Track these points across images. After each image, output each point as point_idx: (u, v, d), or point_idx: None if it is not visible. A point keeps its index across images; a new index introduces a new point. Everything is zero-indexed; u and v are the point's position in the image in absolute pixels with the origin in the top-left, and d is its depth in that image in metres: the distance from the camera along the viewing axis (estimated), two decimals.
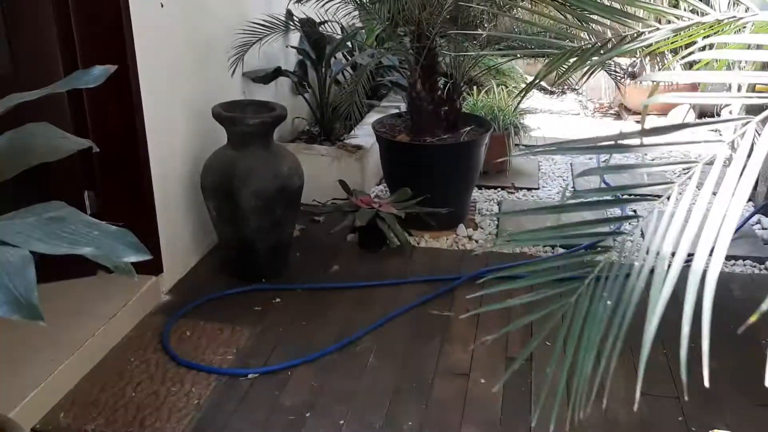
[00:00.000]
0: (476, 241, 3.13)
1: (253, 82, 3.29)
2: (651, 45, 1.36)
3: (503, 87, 4.00)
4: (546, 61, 3.68)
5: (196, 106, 2.77)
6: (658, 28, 1.41)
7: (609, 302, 0.93)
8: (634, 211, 3.48)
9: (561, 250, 3.05)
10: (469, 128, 3.25)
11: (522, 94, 1.85)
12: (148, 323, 2.45)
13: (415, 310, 2.56)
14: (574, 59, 1.63)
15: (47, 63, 2.28)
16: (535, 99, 5.13)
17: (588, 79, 1.99)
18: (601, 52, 1.55)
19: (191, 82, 2.73)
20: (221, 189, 2.57)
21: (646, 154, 4.04)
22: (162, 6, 2.47)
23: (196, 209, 2.80)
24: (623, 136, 1.08)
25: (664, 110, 4.93)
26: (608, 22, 1.54)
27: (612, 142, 1.11)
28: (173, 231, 2.67)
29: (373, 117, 3.72)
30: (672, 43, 1.40)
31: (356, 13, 3.34)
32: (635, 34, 1.47)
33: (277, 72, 3.37)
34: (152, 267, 2.56)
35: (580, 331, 0.93)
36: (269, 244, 2.68)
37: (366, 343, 2.37)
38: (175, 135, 2.65)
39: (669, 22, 1.43)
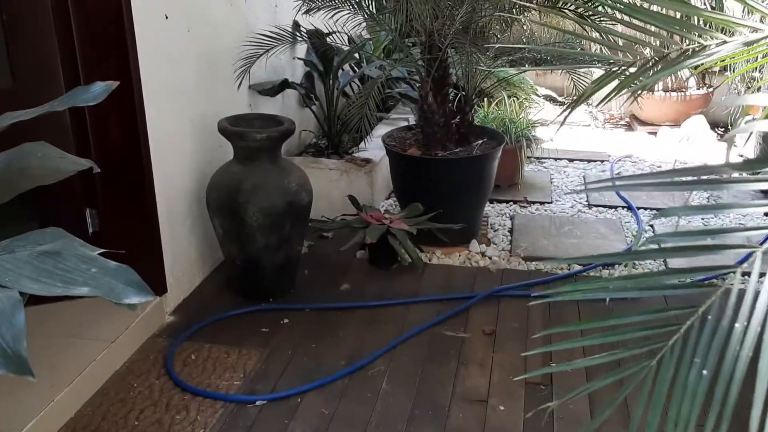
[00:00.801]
0: (489, 258, 3.03)
1: (260, 94, 3.21)
2: (716, 59, 1.23)
3: (514, 98, 3.91)
4: (559, 70, 3.58)
5: (202, 120, 2.69)
6: (725, 41, 1.27)
7: (705, 371, 0.80)
8: (651, 225, 3.38)
9: (577, 267, 2.95)
10: (481, 141, 3.16)
11: (567, 111, 1.71)
12: (151, 346, 2.36)
13: (428, 331, 2.46)
14: (628, 74, 1.49)
15: (48, 77, 2.21)
16: (544, 110, 5.04)
17: (635, 99, 1.85)
18: (643, 69, 1.43)
19: (196, 94, 2.65)
20: (227, 206, 2.48)
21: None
22: (166, 18, 2.39)
23: (202, 225, 2.71)
24: (717, 169, 0.90)
25: (676, 121, 4.83)
26: (664, 34, 1.40)
27: (698, 177, 0.93)
28: (178, 248, 2.59)
29: (381, 129, 3.64)
30: (742, 55, 1.28)
31: (364, 24, 3.27)
32: (697, 48, 1.32)
33: (284, 84, 3.30)
34: (156, 287, 2.47)
35: (666, 401, 0.79)
36: (276, 262, 2.59)
37: (378, 366, 2.27)
38: (179, 149, 2.57)
39: (732, 33, 1.31)
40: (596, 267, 2.93)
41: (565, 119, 1.60)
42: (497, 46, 2.83)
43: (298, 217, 2.56)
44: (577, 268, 2.94)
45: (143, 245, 2.45)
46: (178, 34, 2.49)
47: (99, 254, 0.98)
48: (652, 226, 3.37)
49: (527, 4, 2.61)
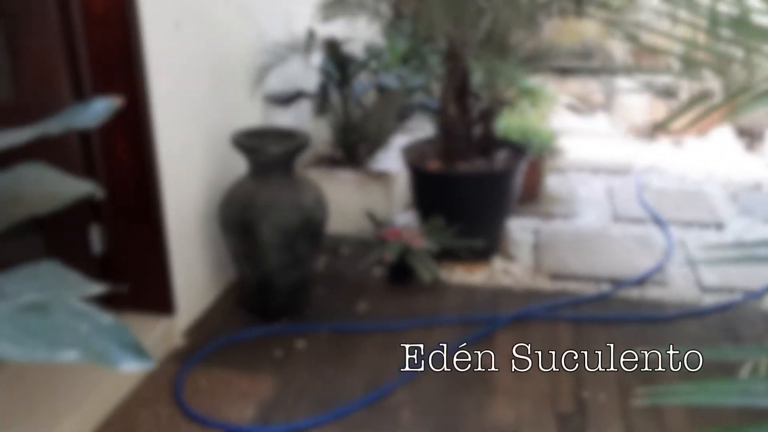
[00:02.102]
0: (513, 276, 2.89)
1: (274, 104, 3.10)
2: None
3: (536, 107, 3.77)
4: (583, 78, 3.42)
5: (214, 132, 2.57)
6: None
7: None
8: (682, 241, 3.23)
9: (606, 286, 2.81)
10: (503, 153, 3.03)
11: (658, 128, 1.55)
12: (159, 372, 2.24)
13: (452, 357, 2.33)
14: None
15: (53, 89, 2.10)
16: (564, 118, 4.90)
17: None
18: None
19: (208, 105, 2.54)
20: (239, 223, 2.36)
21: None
22: (177, 26, 2.28)
23: (214, 242, 2.60)
24: None
25: (701, 130, 4.68)
26: None
27: None
28: (189, 267, 2.47)
29: (398, 139, 3.51)
30: None
31: (381, 31, 3.15)
32: None
33: (299, 94, 3.18)
34: (165, 307, 2.36)
35: None
36: (290, 281, 2.46)
37: (399, 395, 2.14)
38: (190, 162, 2.46)
39: None
40: (627, 286, 2.79)
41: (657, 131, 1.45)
42: (525, 55, 2.69)
43: (313, 235, 2.44)
44: (606, 287, 2.80)
45: (152, 264, 2.33)
46: (189, 42, 2.38)
47: (101, 282, 0.86)
48: (682, 241, 3.22)
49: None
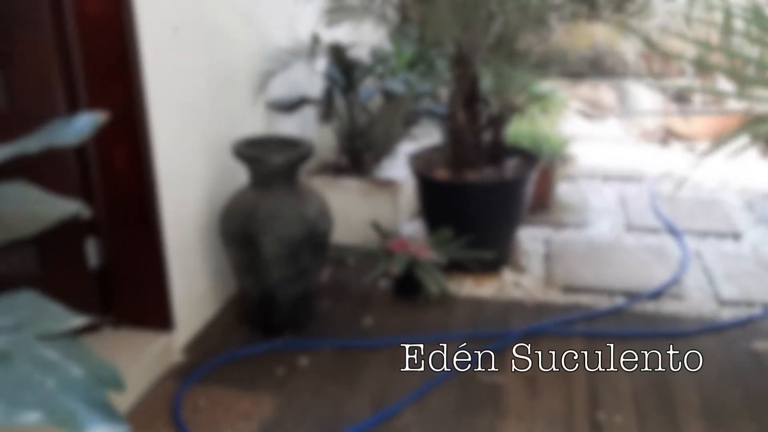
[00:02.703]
0: (524, 288, 2.80)
1: (277, 111, 3.01)
2: None
3: (546, 113, 3.68)
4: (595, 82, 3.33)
5: (215, 140, 2.49)
6: None
7: None
8: (697, 252, 3.12)
9: (620, 299, 2.71)
10: (513, 161, 2.94)
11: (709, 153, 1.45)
12: (157, 391, 2.15)
13: (461, 375, 2.24)
14: None
15: (47, 98, 2.02)
16: (574, 123, 4.81)
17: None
18: None
19: (209, 113, 2.46)
20: (240, 235, 2.28)
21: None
22: (176, 31, 2.20)
23: (214, 254, 2.51)
24: None
25: (717, 136, 4.57)
26: None
27: None
28: (188, 280, 2.39)
29: (404, 146, 3.43)
30: None
31: (387, 35, 3.07)
32: None
33: (303, 101, 3.10)
34: (164, 323, 2.28)
35: None
36: (293, 295, 2.38)
37: (407, 415, 2.05)
38: (190, 172, 2.37)
39: None
40: (642, 300, 2.69)
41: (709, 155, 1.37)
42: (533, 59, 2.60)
43: (317, 247, 2.36)
44: (621, 301, 2.70)
45: (150, 278, 2.25)
46: (188, 48, 2.30)
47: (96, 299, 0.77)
48: (698, 252, 3.11)
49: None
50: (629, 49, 4.88)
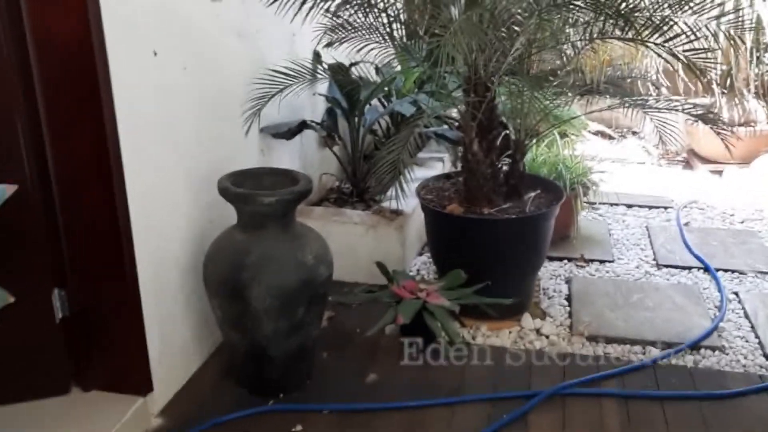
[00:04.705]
0: (546, 337, 2.51)
1: (274, 137, 2.75)
2: None
3: (568, 138, 3.41)
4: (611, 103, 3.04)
5: (202, 172, 2.23)
6: None
7: None
8: (736, 293, 2.84)
9: (654, 351, 2.42)
10: (534, 194, 2.66)
11: None
12: None
13: None
14: None
15: (6, 135, 1.76)
16: (593, 145, 4.53)
17: None
18: None
19: (195, 142, 2.20)
20: (227, 284, 2.00)
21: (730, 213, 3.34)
22: (156, 54, 1.94)
23: (199, 299, 2.24)
24: None
25: (746, 159, 4.28)
26: None
27: None
28: (168, 332, 2.12)
29: (413, 171, 3.15)
30: None
31: (394, 55, 2.81)
32: None
33: (302, 125, 2.83)
34: (139, 384, 2.01)
35: None
36: (288, 351, 2.10)
37: None
38: (171, 210, 2.10)
39: None
40: (680, 352, 2.40)
41: None
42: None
43: (315, 297, 2.08)
44: (655, 352, 2.41)
45: (124, 333, 1.98)
46: (171, 72, 2.04)
47: None
48: (736, 293, 2.82)
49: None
50: (650, 65, 4.61)
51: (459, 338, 2.33)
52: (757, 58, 3.99)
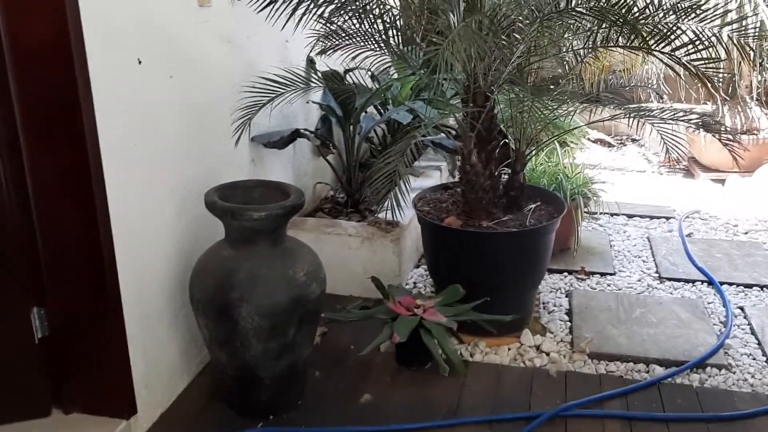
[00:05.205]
0: (547, 354, 2.42)
1: (265, 147, 2.66)
2: None
3: (567, 147, 3.33)
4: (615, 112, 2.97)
5: (189, 184, 2.14)
6: None
7: None
8: (741, 308, 2.76)
9: (658, 369, 2.34)
10: (534, 205, 2.58)
11: None
12: None
13: None
14: None
15: None
16: (592, 153, 4.45)
17: None
18: None
19: (181, 153, 2.11)
20: (215, 303, 1.91)
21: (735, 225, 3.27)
22: (140, 63, 1.85)
23: (186, 317, 2.15)
24: None
25: (748, 168, 4.20)
26: None
27: None
28: (153, 350, 2.02)
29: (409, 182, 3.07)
30: None
31: (390, 63, 2.73)
32: None
33: (295, 134, 2.75)
34: (122, 406, 1.91)
35: None
36: (278, 373, 2.01)
37: None
38: (156, 225, 2.02)
39: None
40: (685, 371, 2.32)
41: None
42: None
43: (307, 316, 1.99)
44: (659, 371, 2.33)
45: (106, 352, 1.89)
46: (156, 82, 1.95)
47: None
48: (742, 308, 2.74)
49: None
50: (651, 72, 4.54)
51: (457, 357, 2.24)
52: (761, 64, 3.92)
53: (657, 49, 1.93)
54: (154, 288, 2.02)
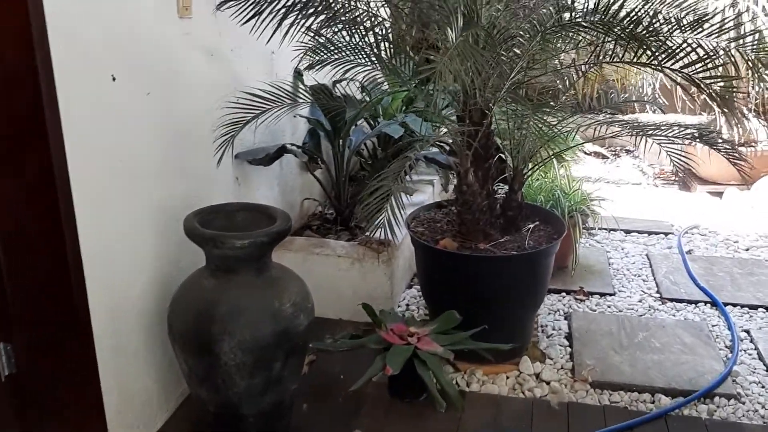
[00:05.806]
0: (547, 383, 2.31)
1: (250, 164, 2.53)
2: None
3: (566, 163, 3.22)
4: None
5: (167, 206, 2.01)
6: None
7: None
8: (747, 331, 2.66)
9: (664, 399, 2.23)
10: (532, 225, 2.47)
11: None
12: None
13: None
14: None
15: None
16: (587, 166, 4.36)
17: None
18: None
19: (159, 174, 1.98)
20: (194, 337, 1.78)
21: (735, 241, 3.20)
22: (114, 79, 1.72)
23: (164, 348, 2.01)
24: None
25: (748, 182, 4.11)
26: None
27: None
28: (128, 386, 1.89)
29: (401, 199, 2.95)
30: None
31: (381, 77, 2.61)
32: None
33: (282, 150, 2.62)
34: None
35: None
36: (263, 410, 1.88)
37: None
38: (132, 252, 1.88)
39: None
40: (692, 401, 2.21)
41: None
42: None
43: (294, 349, 1.86)
44: (666, 401, 2.22)
45: (76, 388, 1.76)
46: (131, 99, 1.82)
47: None
48: (747, 331, 2.64)
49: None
50: (646, 83, 4.45)
51: (454, 389, 2.11)
52: (758, 75, 3.83)
53: (667, 66, 1.82)
54: (130, 319, 1.89)
